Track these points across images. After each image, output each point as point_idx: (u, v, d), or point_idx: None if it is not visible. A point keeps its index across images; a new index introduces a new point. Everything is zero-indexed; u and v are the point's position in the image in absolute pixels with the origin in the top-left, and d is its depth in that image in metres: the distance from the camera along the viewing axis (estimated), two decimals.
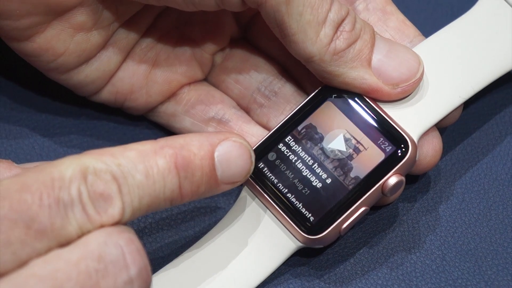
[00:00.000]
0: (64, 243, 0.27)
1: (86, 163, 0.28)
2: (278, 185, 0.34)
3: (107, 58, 0.36)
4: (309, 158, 0.34)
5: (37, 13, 0.33)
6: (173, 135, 0.31)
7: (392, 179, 0.33)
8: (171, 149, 0.29)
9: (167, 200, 0.29)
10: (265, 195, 0.34)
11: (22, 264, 0.26)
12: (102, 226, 0.28)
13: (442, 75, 0.35)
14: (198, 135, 0.30)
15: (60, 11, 0.34)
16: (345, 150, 0.34)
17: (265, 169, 0.34)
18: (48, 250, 0.27)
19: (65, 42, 0.35)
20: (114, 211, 0.28)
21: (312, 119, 0.35)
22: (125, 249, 0.27)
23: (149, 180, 0.29)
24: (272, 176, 0.34)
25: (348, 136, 0.34)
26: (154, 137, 0.39)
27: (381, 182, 0.33)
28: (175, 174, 0.29)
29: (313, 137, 0.35)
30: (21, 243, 0.26)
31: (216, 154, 0.30)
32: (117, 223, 0.28)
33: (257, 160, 0.35)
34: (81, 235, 0.27)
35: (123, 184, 0.28)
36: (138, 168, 0.28)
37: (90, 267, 0.27)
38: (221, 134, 0.31)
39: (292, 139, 0.35)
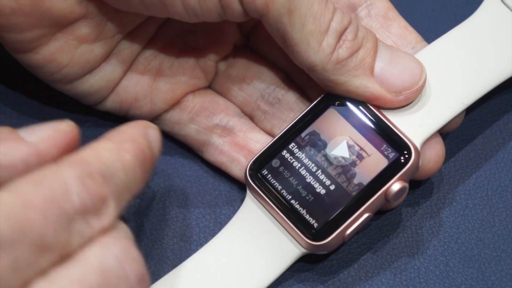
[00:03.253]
0: (66, 256, 0.27)
1: (79, 168, 0.27)
2: (282, 191, 0.34)
3: (111, 68, 0.36)
4: (313, 165, 0.34)
5: (41, 25, 0.33)
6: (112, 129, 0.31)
7: (395, 186, 0.33)
8: (127, 144, 0.29)
9: (136, 194, 0.30)
10: (269, 201, 0.34)
11: (25, 285, 0.26)
12: (102, 229, 0.28)
13: (444, 81, 0.35)
14: (129, 127, 0.31)
15: (64, 23, 0.34)
16: (348, 156, 0.34)
17: (269, 175, 0.35)
18: (51, 265, 0.26)
19: (69, 54, 0.35)
20: (110, 211, 0.28)
21: (315, 126, 0.35)
22: (123, 259, 0.27)
23: (127, 177, 0.29)
24: (276, 183, 0.34)
25: (351, 142, 0.34)
26: None
27: (384, 188, 0.33)
28: (139, 168, 0.29)
29: (317, 144, 0.35)
30: (26, 264, 0.26)
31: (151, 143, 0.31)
32: (113, 224, 0.28)
33: (261, 167, 0.35)
34: (82, 243, 0.27)
35: (112, 183, 0.28)
36: (117, 166, 0.28)
37: (93, 281, 0.27)
38: (139, 122, 0.31)
39: (296, 146, 0.35)
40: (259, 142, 0.37)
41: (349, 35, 0.33)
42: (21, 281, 0.26)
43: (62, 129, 0.29)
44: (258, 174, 0.35)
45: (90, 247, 0.27)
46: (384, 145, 0.34)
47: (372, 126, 0.34)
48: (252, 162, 0.35)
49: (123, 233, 0.28)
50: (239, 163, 0.37)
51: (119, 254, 0.27)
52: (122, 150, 0.29)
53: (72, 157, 0.28)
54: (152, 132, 0.31)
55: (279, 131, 0.36)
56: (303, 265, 0.35)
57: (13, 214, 0.25)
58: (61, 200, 0.26)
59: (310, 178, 0.34)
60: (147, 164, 0.30)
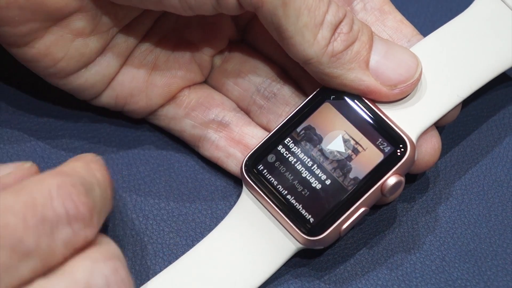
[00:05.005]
0: (50, 265, 0.27)
1: (61, 178, 0.28)
2: (277, 186, 0.34)
3: (106, 63, 0.36)
4: (308, 160, 0.34)
5: (36, 19, 0.33)
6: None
7: (391, 180, 0.33)
8: (94, 164, 0.30)
9: (107, 215, 0.30)
10: (265, 197, 0.34)
11: None
12: (86, 240, 0.28)
13: (440, 74, 0.35)
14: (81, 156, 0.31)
15: (58, 17, 0.34)
16: (344, 151, 0.34)
17: (265, 171, 0.35)
18: (34, 274, 0.26)
19: (64, 48, 0.35)
20: (94, 222, 0.28)
21: (311, 121, 0.35)
22: (110, 279, 0.27)
23: (102, 193, 0.29)
24: (272, 178, 0.34)
25: (347, 137, 0.34)
26: (156, 139, 0.39)
27: (380, 182, 0.33)
28: (109, 187, 0.30)
29: (312, 139, 0.35)
30: (5, 268, 0.25)
31: None
32: (98, 239, 0.28)
33: (257, 162, 0.35)
34: (67, 254, 0.27)
35: (92, 196, 0.28)
36: (93, 181, 0.29)
37: None
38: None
39: (291, 141, 0.35)
40: (255, 137, 0.37)
41: (344, 28, 0.33)
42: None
43: (24, 166, 0.30)
44: (254, 169, 0.35)
45: (78, 261, 0.27)
46: (380, 139, 0.34)
47: (368, 120, 0.34)
48: (248, 157, 0.35)
49: (113, 252, 0.28)
50: (235, 158, 0.37)
51: (109, 274, 0.27)
52: (92, 169, 0.30)
53: (52, 170, 0.28)
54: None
55: (275, 126, 0.36)
56: (299, 260, 0.35)
57: None
58: (43, 207, 0.26)
59: (305, 173, 0.34)
60: (112, 186, 0.30)
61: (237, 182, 0.38)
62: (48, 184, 0.27)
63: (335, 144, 0.34)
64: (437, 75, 0.35)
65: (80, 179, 0.28)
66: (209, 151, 0.38)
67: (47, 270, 0.27)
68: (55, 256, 0.27)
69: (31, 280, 0.26)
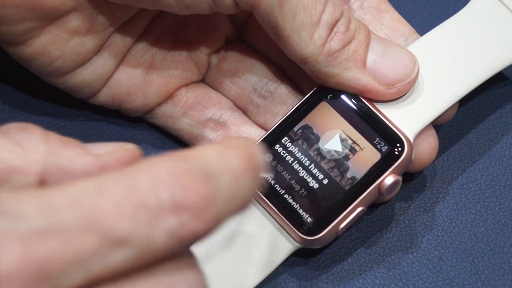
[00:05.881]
0: (150, 256, 0.23)
1: (174, 164, 0.24)
2: (275, 186, 0.34)
3: (103, 61, 0.36)
4: (306, 159, 0.34)
5: (32, 18, 0.33)
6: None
7: (388, 179, 0.33)
8: (233, 150, 0.25)
9: (242, 208, 0.25)
10: (262, 196, 0.34)
11: (94, 283, 0.23)
12: (195, 234, 0.24)
13: (437, 73, 0.35)
14: (235, 137, 0.30)
15: (55, 16, 0.34)
16: (341, 150, 0.34)
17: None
18: (128, 264, 0.23)
19: (60, 46, 0.35)
20: (206, 215, 0.23)
21: (308, 120, 0.35)
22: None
23: (235, 182, 0.24)
24: (269, 178, 0.34)
25: (344, 136, 0.34)
26: (153, 138, 0.39)
27: (377, 182, 0.33)
28: (248, 175, 0.25)
29: (309, 138, 0.35)
30: (93, 256, 0.22)
31: None
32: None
33: None
34: (172, 246, 0.23)
35: (214, 184, 0.24)
36: (222, 167, 0.24)
37: None
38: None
39: (289, 140, 0.35)
40: (253, 136, 0.37)
41: (341, 27, 0.33)
42: (86, 274, 0.23)
43: (126, 147, 0.27)
44: None
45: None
46: (377, 138, 0.34)
47: (365, 119, 0.34)
48: None
49: (196, 260, 0.25)
50: None
51: (192, 282, 0.24)
52: (228, 154, 0.25)
53: (167, 155, 0.24)
54: (259, 147, 0.26)
55: (272, 125, 0.35)
56: (297, 259, 0.35)
57: (80, 201, 0.23)
58: (145, 193, 0.23)
59: (303, 172, 0.34)
60: (255, 174, 0.25)
61: None
62: (157, 169, 0.23)
63: (332, 144, 0.34)
64: (434, 74, 0.35)
65: (201, 164, 0.24)
66: None
67: (148, 261, 0.23)
68: (155, 247, 0.23)
69: (123, 270, 0.23)
